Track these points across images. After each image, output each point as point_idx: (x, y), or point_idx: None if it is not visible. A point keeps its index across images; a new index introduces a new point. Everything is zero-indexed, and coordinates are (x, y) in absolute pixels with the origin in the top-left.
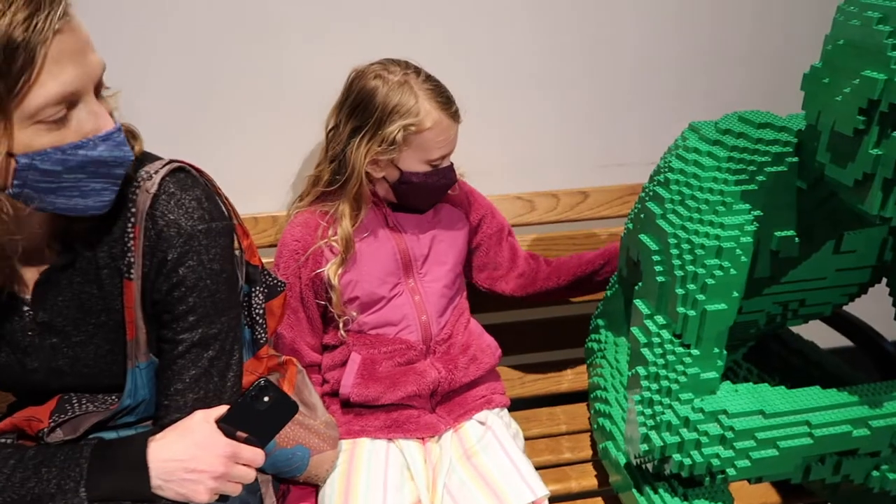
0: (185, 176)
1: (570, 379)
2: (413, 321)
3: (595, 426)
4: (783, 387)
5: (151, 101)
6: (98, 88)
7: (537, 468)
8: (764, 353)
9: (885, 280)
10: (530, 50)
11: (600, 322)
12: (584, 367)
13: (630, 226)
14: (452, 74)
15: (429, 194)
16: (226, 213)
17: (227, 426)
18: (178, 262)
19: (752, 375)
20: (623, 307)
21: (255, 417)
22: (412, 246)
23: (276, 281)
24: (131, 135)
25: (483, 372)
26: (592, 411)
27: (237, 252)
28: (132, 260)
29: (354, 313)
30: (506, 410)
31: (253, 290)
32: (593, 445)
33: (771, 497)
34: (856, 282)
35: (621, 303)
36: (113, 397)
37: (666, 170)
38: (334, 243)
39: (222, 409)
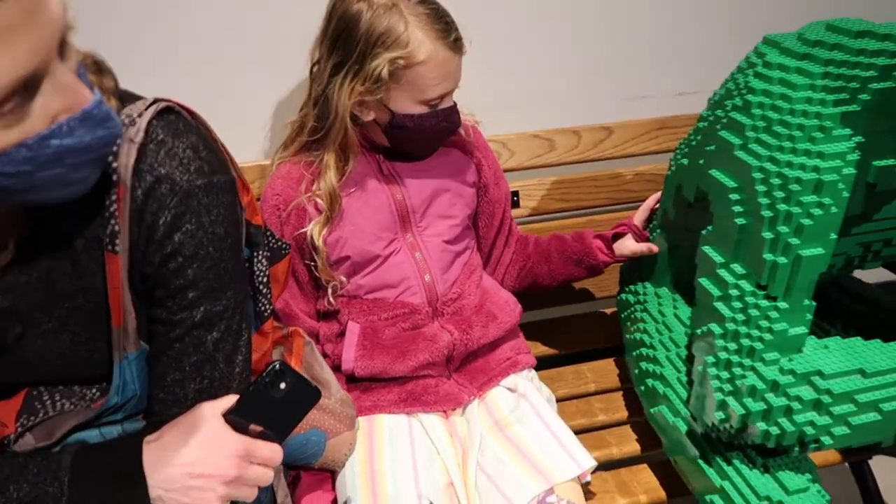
0: (176, 119)
1: (597, 333)
2: (415, 281)
3: (642, 387)
4: (878, 340)
5: (112, 32)
6: (63, 47)
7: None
8: (822, 300)
9: None
10: None
11: (636, 272)
12: (608, 322)
13: (685, 161)
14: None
15: (427, 140)
16: (226, 161)
17: (237, 419)
18: (173, 227)
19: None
20: (667, 254)
21: (271, 407)
22: (411, 196)
23: (279, 243)
24: (97, 68)
25: (503, 332)
26: (637, 371)
27: (239, 210)
28: (116, 228)
29: (343, 278)
30: (534, 371)
31: (255, 254)
32: (628, 406)
33: None
34: None
35: (664, 248)
36: (94, 391)
37: (744, 91)
38: (318, 199)
39: (231, 400)
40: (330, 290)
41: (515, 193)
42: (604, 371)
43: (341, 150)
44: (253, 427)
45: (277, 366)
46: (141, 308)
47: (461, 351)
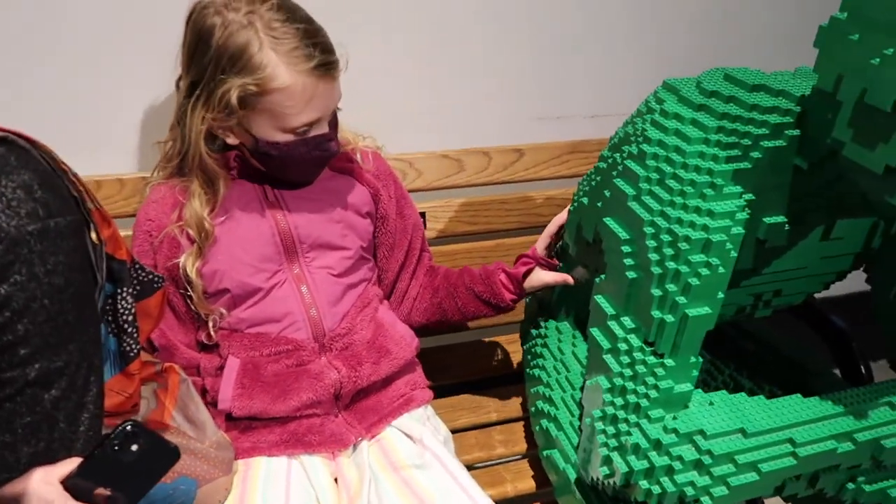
0: (7, 152)
1: (500, 360)
2: (300, 316)
3: (536, 427)
4: (761, 397)
5: None
6: None
7: (468, 468)
8: (717, 338)
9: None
10: None
11: (540, 302)
12: (512, 346)
13: (585, 200)
14: (364, 10)
15: (300, 168)
16: (74, 198)
17: (80, 482)
18: None
19: (704, 363)
20: (568, 288)
21: (121, 469)
22: (297, 226)
23: (151, 276)
24: None
25: (397, 367)
26: (533, 409)
27: (96, 245)
28: None
29: (223, 310)
30: (430, 408)
31: (120, 290)
32: (528, 437)
33: None
34: (836, 270)
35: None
36: None
37: (640, 139)
38: (188, 229)
39: (72, 464)
40: (210, 323)
41: (422, 214)
42: (507, 399)
43: (204, 176)
44: (99, 491)
45: (129, 427)
46: None
47: (349, 389)
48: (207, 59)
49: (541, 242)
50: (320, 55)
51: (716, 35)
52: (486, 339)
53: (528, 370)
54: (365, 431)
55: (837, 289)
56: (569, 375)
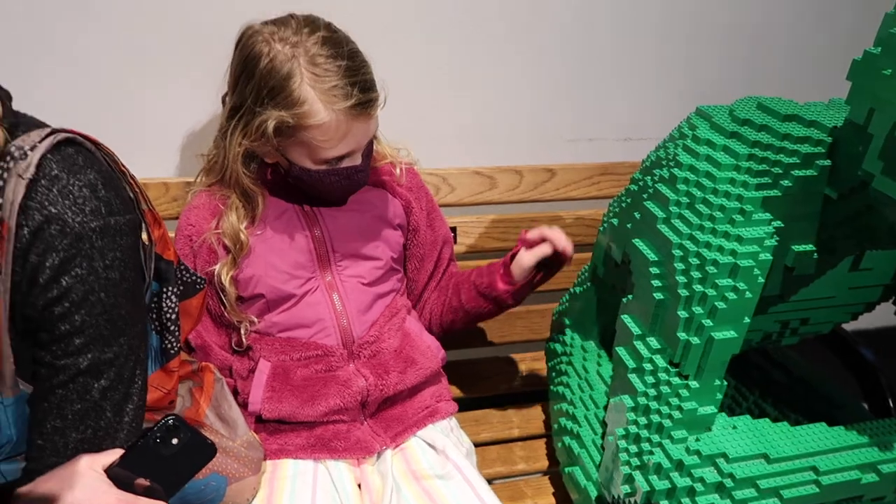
0: (75, 153)
1: (525, 377)
2: (330, 322)
3: (559, 444)
4: (785, 423)
5: (25, 33)
6: None
7: (489, 482)
8: (743, 364)
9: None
10: (498, 5)
11: (566, 321)
12: (538, 364)
13: (615, 221)
14: (403, 28)
15: (331, 194)
16: (131, 199)
17: (122, 472)
18: (60, 270)
19: (729, 388)
20: (595, 308)
21: (161, 462)
22: (331, 236)
23: (194, 277)
24: None
25: (423, 377)
26: (556, 426)
27: (146, 245)
28: None
29: (254, 318)
30: (454, 420)
31: (165, 289)
32: (549, 455)
33: None
34: (864, 300)
35: (592, 303)
36: None
37: (671, 163)
38: (226, 239)
39: (115, 454)
40: (241, 330)
41: (453, 229)
42: (530, 416)
43: (243, 192)
44: (139, 481)
45: (171, 420)
46: (23, 349)
47: (376, 397)
48: (250, 88)
49: (532, 232)
50: (359, 94)
51: (748, 63)
52: (512, 356)
53: (552, 387)
54: (389, 440)
55: (866, 321)
56: (592, 394)
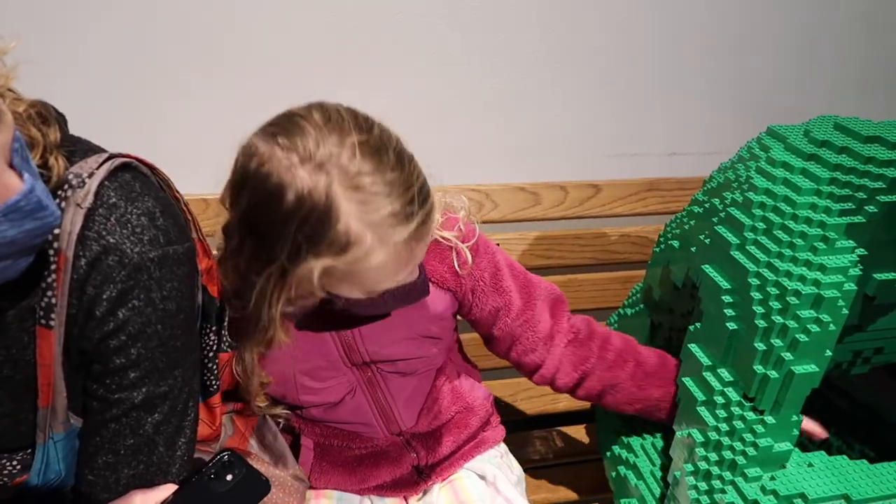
0: (132, 179)
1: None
2: (373, 419)
3: (612, 473)
4: (864, 461)
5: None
6: None
7: None
8: None
9: None
10: (538, 20)
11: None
12: None
13: (675, 244)
14: (445, 45)
15: (378, 311)
16: (185, 225)
17: None
18: (118, 302)
19: None
20: (648, 330)
21: (213, 498)
22: (368, 347)
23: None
24: (41, 119)
25: (473, 429)
26: (608, 454)
27: (195, 280)
28: (52, 301)
29: (285, 412)
30: (503, 446)
31: (206, 325)
32: (597, 481)
33: None
34: None
35: (646, 325)
36: (14, 463)
37: (745, 186)
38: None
39: (168, 490)
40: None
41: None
42: (573, 438)
43: (266, 342)
44: None
45: (226, 457)
46: (76, 381)
47: (428, 462)
48: (281, 241)
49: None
50: (419, 211)
51: (795, 79)
52: None
53: (600, 411)
54: (437, 477)
55: None
56: (648, 421)
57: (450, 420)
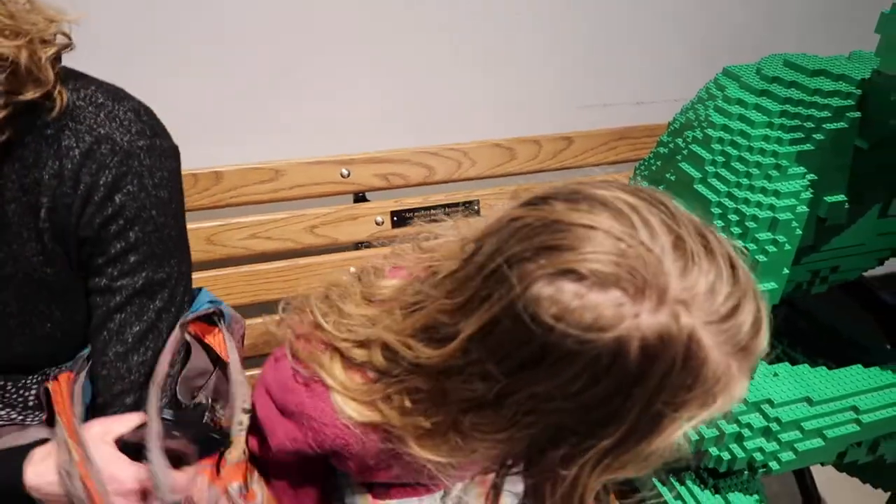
0: (119, 89)
1: None
2: None
3: None
4: (823, 367)
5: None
6: None
7: None
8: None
9: None
10: None
11: None
12: None
13: (644, 184)
14: (418, 5)
15: None
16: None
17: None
18: (114, 188)
19: None
20: None
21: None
22: None
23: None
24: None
25: None
26: None
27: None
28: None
29: None
30: None
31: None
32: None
33: None
34: (892, 246)
35: None
36: (28, 391)
37: (704, 124)
38: None
39: (132, 422)
40: None
41: (476, 202)
42: None
43: None
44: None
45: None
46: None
47: None
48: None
49: None
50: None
51: (759, 23)
52: None
53: None
54: None
55: (884, 267)
56: None
57: None
